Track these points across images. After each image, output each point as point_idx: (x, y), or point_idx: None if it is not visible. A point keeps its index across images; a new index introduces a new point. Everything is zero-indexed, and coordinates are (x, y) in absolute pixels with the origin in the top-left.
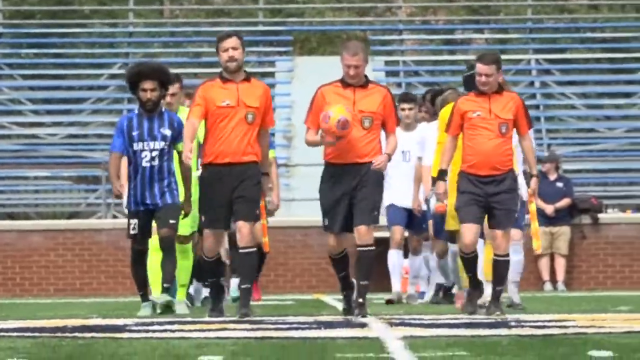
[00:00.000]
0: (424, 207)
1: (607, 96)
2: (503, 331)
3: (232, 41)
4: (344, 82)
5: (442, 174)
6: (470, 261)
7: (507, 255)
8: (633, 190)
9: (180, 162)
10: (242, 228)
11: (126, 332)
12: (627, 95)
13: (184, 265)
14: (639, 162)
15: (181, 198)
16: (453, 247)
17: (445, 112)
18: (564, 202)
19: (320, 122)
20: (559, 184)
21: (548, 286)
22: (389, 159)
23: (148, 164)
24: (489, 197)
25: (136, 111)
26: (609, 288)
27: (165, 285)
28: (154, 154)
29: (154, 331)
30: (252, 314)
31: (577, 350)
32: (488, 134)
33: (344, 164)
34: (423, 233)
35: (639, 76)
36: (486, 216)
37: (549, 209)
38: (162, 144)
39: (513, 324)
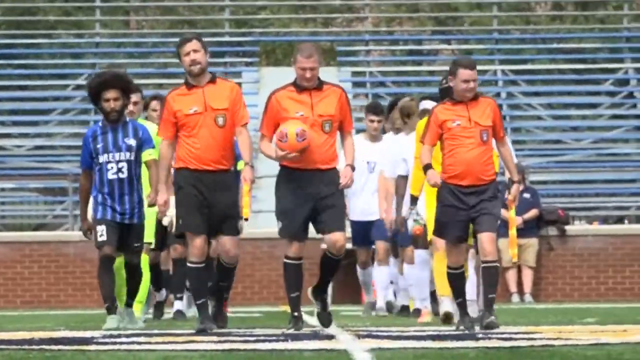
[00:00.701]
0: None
1: (573, 107)
2: (470, 343)
3: (193, 44)
4: (298, 86)
5: (427, 167)
6: (457, 278)
7: (496, 260)
8: (599, 201)
9: (148, 170)
10: (226, 244)
11: (93, 345)
12: (593, 106)
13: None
14: (605, 174)
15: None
16: (422, 255)
17: (422, 124)
18: (532, 213)
19: (278, 143)
20: (526, 195)
21: (515, 298)
22: (353, 169)
23: (115, 176)
24: (471, 208)
25: (100, 123)
26: (575, 300)
27: (129, 300)
28: (120, 165)
29: (121, 343)
30: (210, 327)
31: None
32: (470, 143)
33: (305, 169)
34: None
35: (605, 87)
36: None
37: (517, 220)
38: (128, 154)
39: (480, 335)
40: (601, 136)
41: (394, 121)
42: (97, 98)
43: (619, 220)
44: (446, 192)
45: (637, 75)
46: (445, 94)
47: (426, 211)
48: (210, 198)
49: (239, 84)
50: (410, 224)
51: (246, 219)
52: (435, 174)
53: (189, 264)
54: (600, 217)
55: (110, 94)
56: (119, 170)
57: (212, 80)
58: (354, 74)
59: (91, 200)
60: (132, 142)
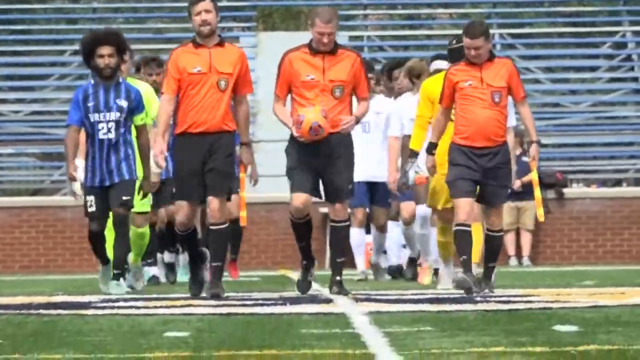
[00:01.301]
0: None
1: (572, 70)
2: (469, 306)
3: (205, 4)
4: (312, 49)
5: (431, 147)
6: (464, 235)
7: (501, 230)
8: (598, 164)
9: (138, 137)
10: (211, 203)
11: (91, 309)
12: (592, 69)
13: (139, 244)
14: (603, 137)
15: (139, 175)
16: (422, 212)
17: (427, 84)
18: (530, 176)
19: (293, 124)
20: (525, 159)
21: (513, 261)
22: (357, 122)
23: (105, 137)
24: (484, 171)
25: (92, 81)
26: (574, 263)
27: (115, 271)
28: (110, 125)
29: (119, 307)
30: (223, 293)
31: (542, 325)
32: (481, 103)
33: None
34: (386, 207)
35: (604, 50)
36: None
37: (516, 184)
38: (118, 115)
39: (478, 299)
40: (599, 99)
41: (398, 83)
42: (91, 55)
43: (617, 183)
44: (457, 153)
45: (635, 38)
46: (454, 55)
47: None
48: (204, 159)
49: None
50: (411, 175)
51: (243, 227)
52: (432, 159)
53: (178, 232)
54: (599, 180)
55: (105, 49)
56: (109, 130)
57: (220, 43)
58: (351, 38)
59: (82, 163)
60: (124, 103)
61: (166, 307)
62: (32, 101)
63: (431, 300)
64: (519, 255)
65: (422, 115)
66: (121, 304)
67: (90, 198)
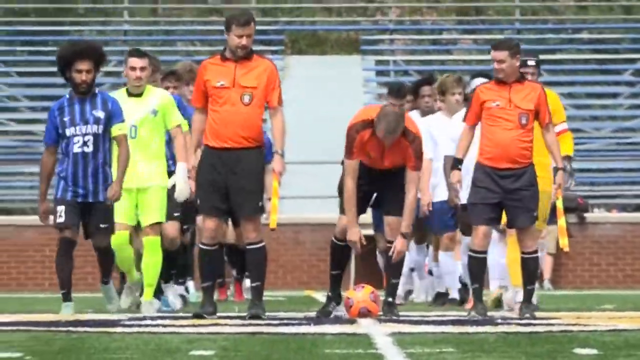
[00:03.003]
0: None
1: (595, 96)
2: (490, 328)
3: (249, 29)
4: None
5: (456, 163)
6: (479, 263)
7: (535, 252)
8: (618, 189)
9: (118, 147)
10: (243, 225)
11: (119, 327)
12: (614, 95)
13: (152, 262)
14: (624, 162)
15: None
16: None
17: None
18: (554, 203)
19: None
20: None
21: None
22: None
23: (80, 150)
24: (506, 193)
25: (67, 95)
26: (594, 286)
27: (104, 279)
28: (87, 138)
29: (146, 326)
30: (264, 313)
31: (563, 347)
32: (507, 125)
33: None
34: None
35: (626, 77)
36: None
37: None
38: (95, 127)
39: (499, 321)
40: (621, 125)
41: (425, 101)
42: (67, 67)
43: (638, 208)
44: (480, 173)
45: None
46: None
47: None
48: (228, 178)
49: None
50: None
51: (272, 229)
52: (457, 174)
53: (200, 245)
54: (619, 205)
55: (84, 65)
56: (84, 143)
57: (248, 56)
58: (378, 62)
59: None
60: (101, 114)
61: (193, 325)
62: None
63: (453, 322)
64: (540, 278)
65: None
66: (148, 322)
67: (61, 208)
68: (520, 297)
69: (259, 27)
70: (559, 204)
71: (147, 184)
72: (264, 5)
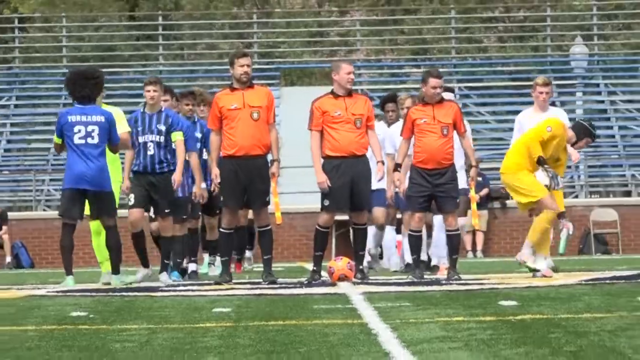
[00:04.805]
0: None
1: (512, 113)
2: (436, 288)
3: (248, 60)
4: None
5: (397, 166)
6: (416, 239)
7: (457, 229)
8: None
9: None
10: (256, 214)
11: (159, 292)
12: None
13: (102, 244)
14: None
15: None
16: (439, 219)
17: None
18: (484, 191)
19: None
20: (479, 179)
21: (470, 254)
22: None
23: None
24: (434, 187)
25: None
26: (514, 255)
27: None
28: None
29: (179, 290)
30: (277, 279)
31: (491, 300)
32: (433, 136)
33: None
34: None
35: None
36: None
37: (475, 197)
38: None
39: (443, 282)
40: None
41: (390, 115)
42: (79, 87)
43: None
44: (415, 173)
45: (557, 89)
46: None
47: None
48: (245, 179)
49: None
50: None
51: (278, 224)
52: (397, 175)
53: (221, 229)
54: None
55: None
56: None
57: (251, 86)
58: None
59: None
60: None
61: (214, 290)
62: None
63: (409, 284)
64: (474, 250)
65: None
66: (181, 288)
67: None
68: (551, 263)
69: (259, 66)
70: (472, 193)
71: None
72: (263, 50)
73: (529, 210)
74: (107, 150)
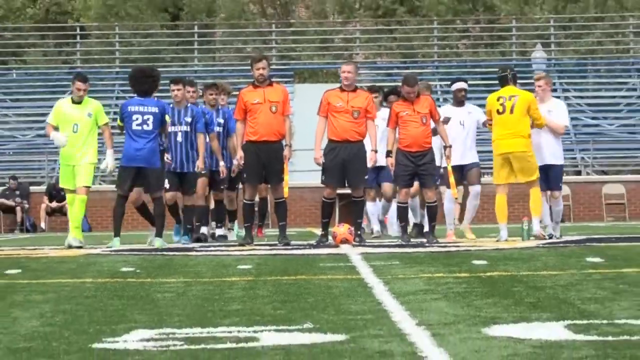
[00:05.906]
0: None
1: (483, 107)
2: (421, 249)
3: (263, 63)
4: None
5: (388, 153)
6: (404, 210)
7: (435, 202)
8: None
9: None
10: (273, 188)
11: (194, 252)
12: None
13: (77, 211)
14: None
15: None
16: (448, 192)
17: (490, 98)
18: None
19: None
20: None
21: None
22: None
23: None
24: (417, 167)
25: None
26: (485, 222)
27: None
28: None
29: (210, 251)
30: (290, 241)
31: (466, 260)
32: (414, 125)
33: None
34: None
35: None
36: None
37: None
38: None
39: (427, 245)
40: None
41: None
42: (140, 83)
43: None
44: (401, 156)
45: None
46: (500, 81)
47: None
48: (265, 160)
49: None
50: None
51: (285, 198)
52: (389, 160)
53: (244, 201)
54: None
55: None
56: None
57: (270, 84)
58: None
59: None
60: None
61: (238, 250)
62: None
63: (399, 246)
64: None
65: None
66: (211, 249)
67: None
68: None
69: (277, 67)
70: (449, 168)
71: (81, 162)
72: (282, 53)
73: (528, 183)
74: (91, 133)
